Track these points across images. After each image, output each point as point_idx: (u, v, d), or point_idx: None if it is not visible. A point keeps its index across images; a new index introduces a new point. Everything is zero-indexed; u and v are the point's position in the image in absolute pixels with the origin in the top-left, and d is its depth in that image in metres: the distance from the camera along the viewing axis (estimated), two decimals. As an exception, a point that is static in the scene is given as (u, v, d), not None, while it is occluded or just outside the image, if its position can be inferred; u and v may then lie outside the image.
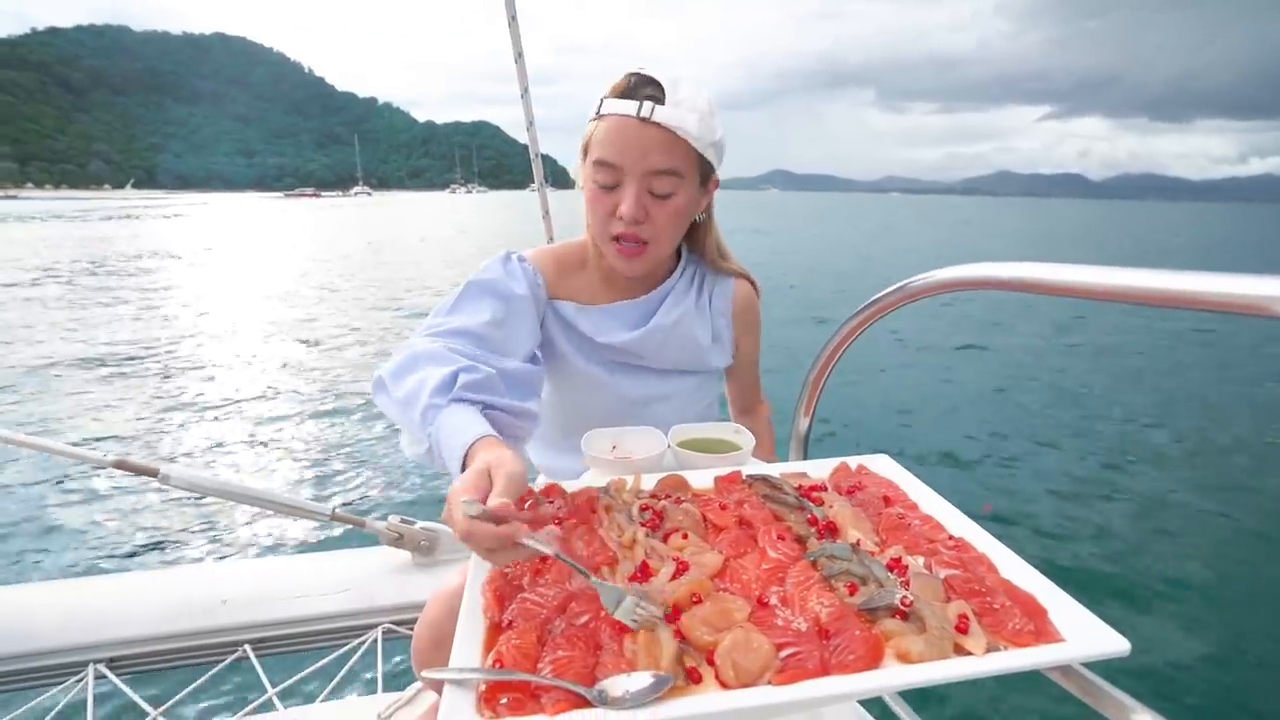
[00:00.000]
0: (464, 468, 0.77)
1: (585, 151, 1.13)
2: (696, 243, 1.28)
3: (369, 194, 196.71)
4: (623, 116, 1.04)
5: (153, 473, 1.42)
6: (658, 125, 1.03)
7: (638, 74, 1.07)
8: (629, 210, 1.06)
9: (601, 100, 1.08)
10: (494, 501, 0.65)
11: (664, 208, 1.09)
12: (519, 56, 1.84)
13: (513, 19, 1.79)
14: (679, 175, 1.07)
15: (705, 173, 1.13)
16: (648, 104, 1.02)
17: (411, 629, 1.36)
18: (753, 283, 1.33)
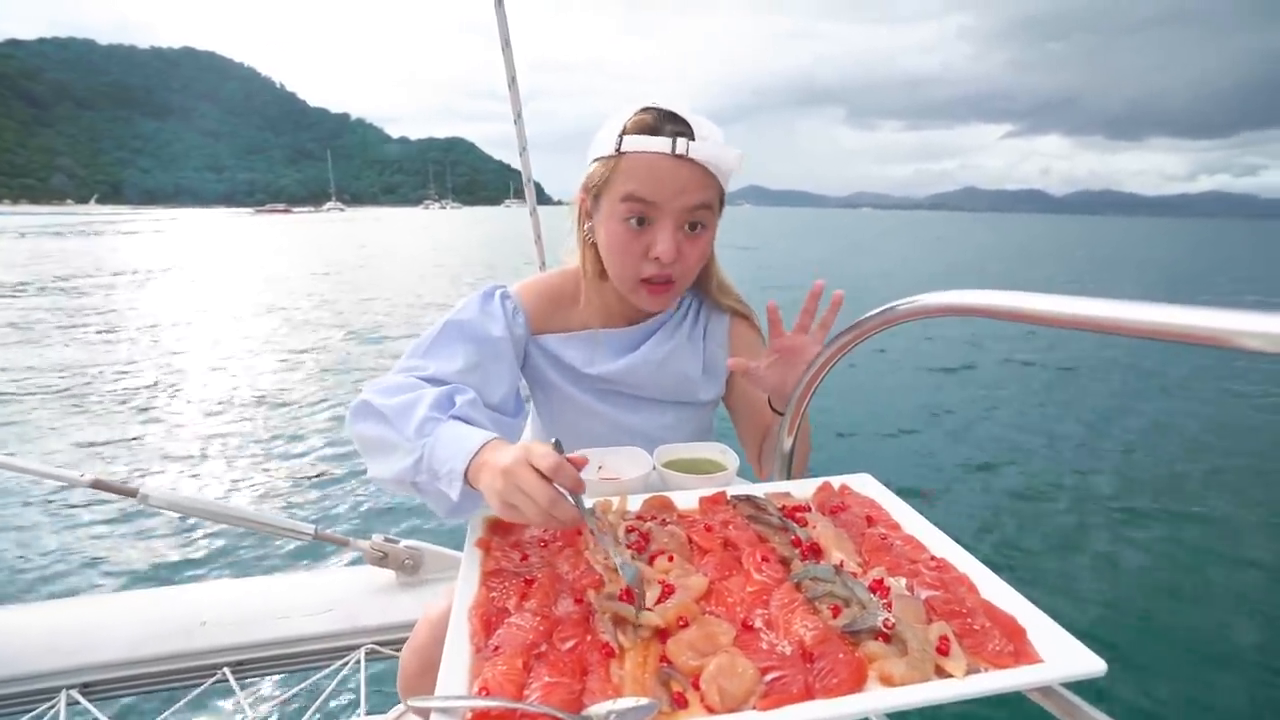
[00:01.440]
0: (468, 469, 0.83)
1: (596, 191, 1.09)
2: (700, 272, 1.23)
3: (342, 210, 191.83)
4: (655, 154, 1.01)
5: (131, 493, 1.40)
6: (692, 161, 1.02)
7: (656, 109, 1.04)
8: (666, 250, 1.04)
9: (621, 138, 1.03)
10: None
11: (696, 244, 1.09)
12: (512, 81, 1.82)
13: (506, 44, 1.78)
14: (711, 209, 1.08)
15: (722, 202, 1.13)
16: (681, 140, 1.01)
17: (395, 649, 1.35)
18: (752, 321, 1.30)
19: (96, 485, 1.38)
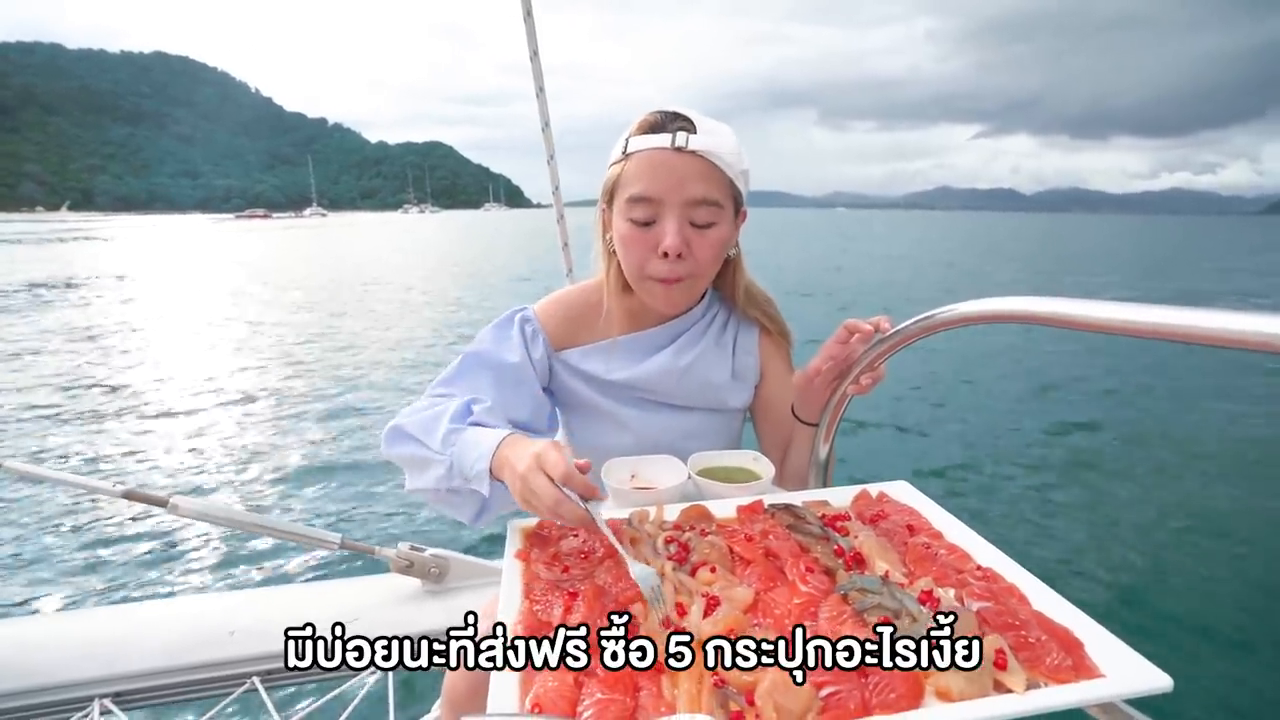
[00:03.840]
0: (492, 467, 0.90)
1: (610, 195, 1.10)
2: (725, 279, 1.23)
3: (324, 215, 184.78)
4: (657, 149, 1.02)
5: (162, 503, 1.41)
6: (694, 154, 1.02)
7: (662, 111, 1.06)
8: (672, 243, 1.02)
9: (627, 140, 1.06)
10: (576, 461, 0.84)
11: (705, 239, 1.06)
12: (540, 91, 1.81)
13: (534, 55, 1.78)
14: (718, 205, 1.05)
15: (737, 203, 1.11)
16: (681, 134, 1.01)
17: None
18: (779, 341, 1.27)
19: (128, 496, 1.38)
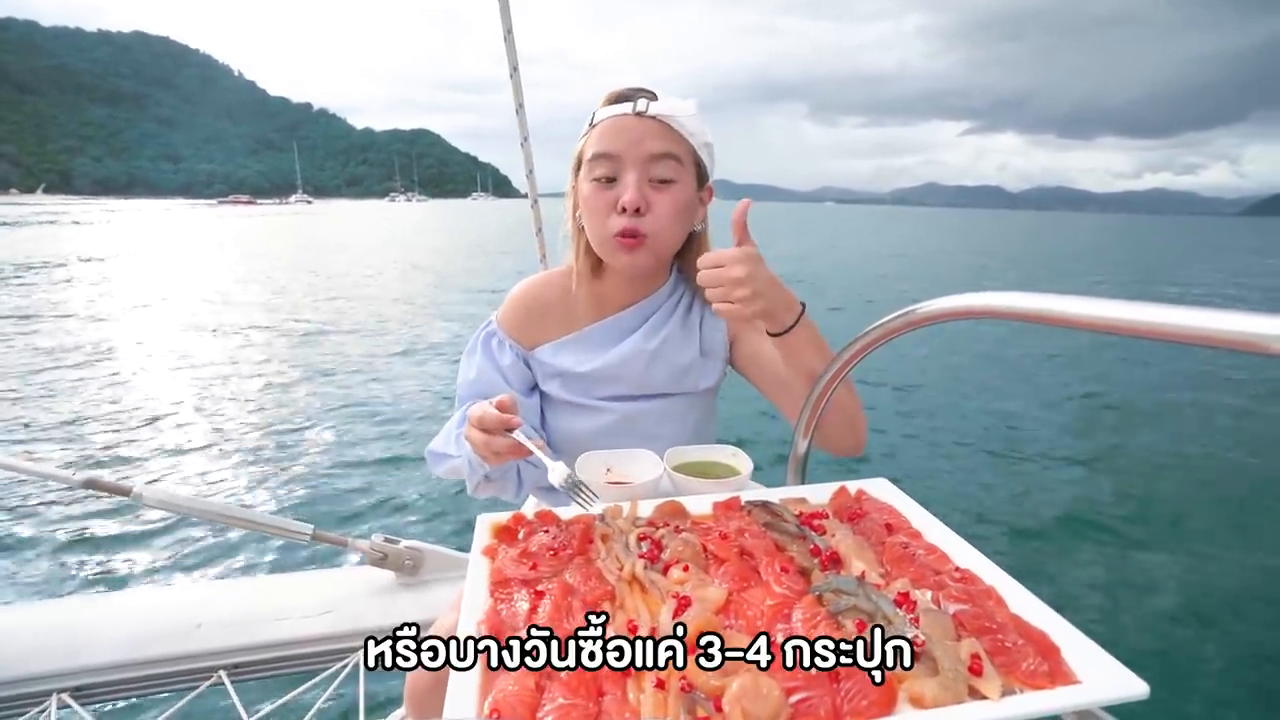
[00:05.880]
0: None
1: (578, 165, 1.13)
2: (689, 259, 1.22)
3: (309, 202, 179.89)
4: (619, 116, 1.07)
5: (125, 492, 1.37)
6: (653, 118, 1.07)
7: (628, 86, 1.11)
8: (631, 196, 1.04)
9: (594, 112, 1.10)
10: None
11: (665, 195, 1.08)
12: (514, 71, 1.80)
13: (508, 33, 1.76)
14: (678, 160, 1.08)
15: (701, 175, 1.14)
16: (642, 100, 1.07)
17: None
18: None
19: (89, 484, 1.34)
